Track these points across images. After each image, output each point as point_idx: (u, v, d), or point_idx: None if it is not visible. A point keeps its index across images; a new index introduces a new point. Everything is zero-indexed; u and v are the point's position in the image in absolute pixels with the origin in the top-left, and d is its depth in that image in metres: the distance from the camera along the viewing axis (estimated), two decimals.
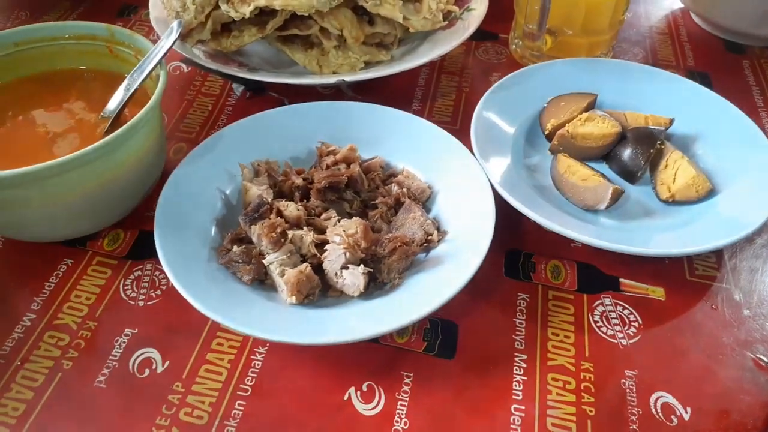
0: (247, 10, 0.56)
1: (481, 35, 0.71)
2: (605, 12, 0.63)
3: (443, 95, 0.66)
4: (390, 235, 0.45)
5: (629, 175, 0.55)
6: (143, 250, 0.49)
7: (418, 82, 0.67)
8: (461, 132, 0.54)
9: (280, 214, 0.46)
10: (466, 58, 0.71)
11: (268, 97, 0.64)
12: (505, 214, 0.48)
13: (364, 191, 0.51)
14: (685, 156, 0.54)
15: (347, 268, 0.43)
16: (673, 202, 0.53)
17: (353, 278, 0.43)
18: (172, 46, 0.51)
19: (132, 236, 0.50)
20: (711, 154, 0.56)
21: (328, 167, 0.51)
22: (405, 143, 0.54)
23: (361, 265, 0.43)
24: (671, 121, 0.57)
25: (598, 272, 0.49)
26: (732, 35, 0.72)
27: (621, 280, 0.49)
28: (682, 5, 0.77)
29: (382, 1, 0.60)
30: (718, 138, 0.56)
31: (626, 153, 0.55)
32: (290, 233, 0.45)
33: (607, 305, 0.47)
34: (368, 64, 0.63)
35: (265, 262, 0.44)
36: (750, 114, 0.63)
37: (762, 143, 0.54)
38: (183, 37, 0.59)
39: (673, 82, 0.60)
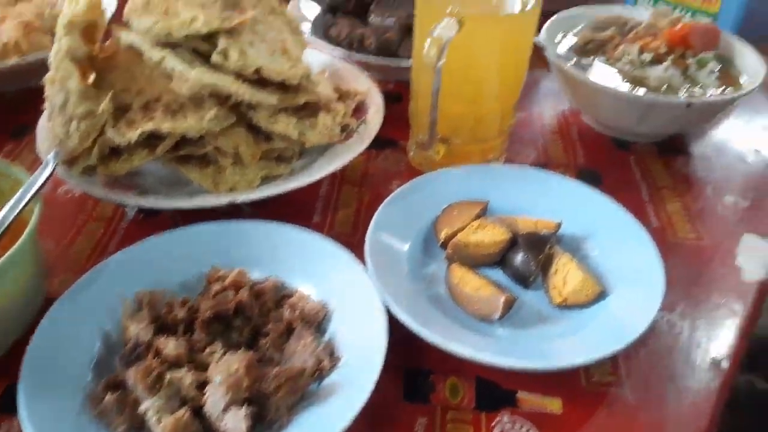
0: (134, 135, 0.55)
1: (381, 143, 0.73)
2: (492, 122, 0.65)
3: (344, 206, 0.66)
4: (277, 369, 0.43)
5: (522, 279, 0.56)
6: (14, 402, 0.45)
7: (319, 193, 0.68)
8: (361, 243, 0.54)
9: (159, 353, 0.44)
10: (366, 167, 0.72)
11: (163, 217, 0.62)
12: (403, 330, 0.47)
13: (255, 316, 0.49)
14: (575, 259, 0.56)
15: (229, 410, 0.41)
16: (565, 306, 0.53)
17: (235, 422, 0.41)
18: (47, 179, 0.49)
19: (0, 388, 0.47)
20: (600, 254, 0.57)
21: (216, 294, 0.49)
22: (300, 261, 0.54)
23: (245, 406, 0.41)
24: (559, 225, 0.59)
25: (496, 387, 0.49)
26: (618, 132, 0.77)
27: (518, 394, 0.48)
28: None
29: (276, 119, 0.61)
30: (606, 238, 0.58)
31: (518, 258, 0.56)
32: (169, 375, 0.42)
33: (505, 423, 0.46)
34: (267, 178, 0.63)
35: (140, 409, 0.41)
36: (638, 209, 0.66)
37: (646, 243, 0.56)
38: (69, 163, 0.58)
39: (561, 184, 0.63)
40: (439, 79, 0.57)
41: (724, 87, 0.72)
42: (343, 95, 0.71)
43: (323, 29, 0.83)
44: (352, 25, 0.80)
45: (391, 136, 0.75)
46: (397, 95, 0.81)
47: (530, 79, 0.84)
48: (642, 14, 0.82)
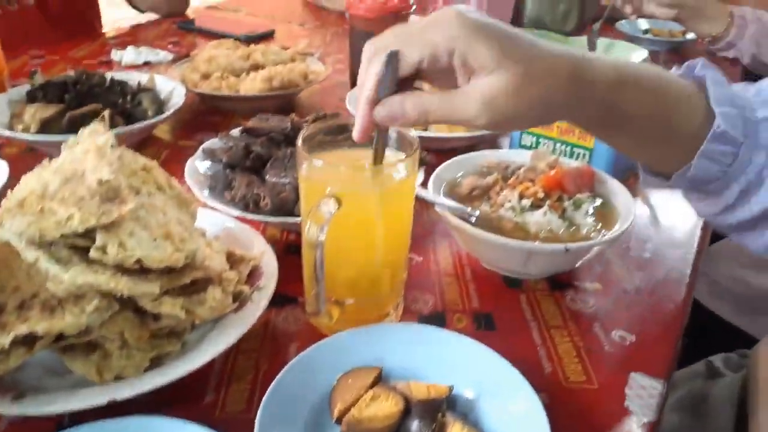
0: (6, 340, 0.53)
1: (281, 300, 0.73)
2: (383, 282, 0.67)
3: (240, 378, 0.65)
4: None
5: None
6: None
7: (214, 367, 0.66)
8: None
9: None
10: (265, 330, 0.71)
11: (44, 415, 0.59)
12: None
13: None
14: (467, 425, 0.56)
15: None
16: None
17: None
18: None
19: None
20: (492, 416, 0.58)
21: None
22: None
23: None
24: (451, 389, 0.59)
25: None
26: (509, 272, 0.80)
27: None
28: None
29: (161, 302, 0.60)
30: (495, 399, 0.59)
31: (412, 429, 0.56)
32: None
33: None
34: (157, 358, 0.62)
35: None
36: (530, 354, 0.68)
37: (533, 401, 0.57)
38: None
39: (452, 342, 0.64)
40: (321, 254, 0.59)
41: (601, 225, 0.77)
42: (236, 262, 0.71)
43: (221, 186, 0.85)
44: (249, 184, 0.82)
45: (292, 293, 0.75)
46: (298, 246, 0.82)
47: (425, 223, 0.88)
48: (523, 157, 0.88)
